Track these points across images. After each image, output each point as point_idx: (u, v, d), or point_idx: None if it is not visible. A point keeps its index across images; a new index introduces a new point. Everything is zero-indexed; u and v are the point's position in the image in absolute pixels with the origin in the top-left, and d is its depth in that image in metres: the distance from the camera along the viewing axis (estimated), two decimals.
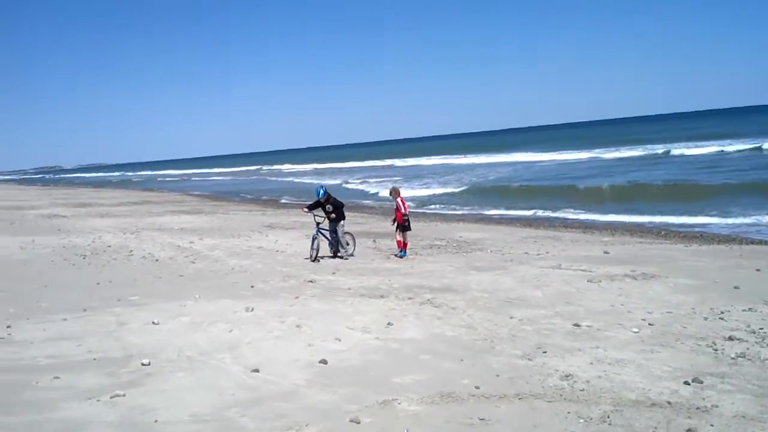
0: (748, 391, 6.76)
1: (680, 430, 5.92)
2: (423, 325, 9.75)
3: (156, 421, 6.48)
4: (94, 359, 8.50)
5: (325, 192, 16.69)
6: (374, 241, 19.48)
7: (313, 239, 16.23)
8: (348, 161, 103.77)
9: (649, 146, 61.56)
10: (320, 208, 16.72)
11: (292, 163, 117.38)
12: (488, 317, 10.07)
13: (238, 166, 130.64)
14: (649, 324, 9.32)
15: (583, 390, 6.91)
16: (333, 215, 16.54)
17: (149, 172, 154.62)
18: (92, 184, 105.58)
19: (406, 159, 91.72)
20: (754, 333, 8.71)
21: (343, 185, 53.34)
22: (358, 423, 6.31)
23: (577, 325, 9.41)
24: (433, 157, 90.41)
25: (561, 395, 6.80)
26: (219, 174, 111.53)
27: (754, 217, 21.67)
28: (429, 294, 11.86)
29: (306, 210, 17.19)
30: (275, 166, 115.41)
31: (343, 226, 16.69)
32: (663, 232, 20.32)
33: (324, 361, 8.11)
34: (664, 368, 7.49)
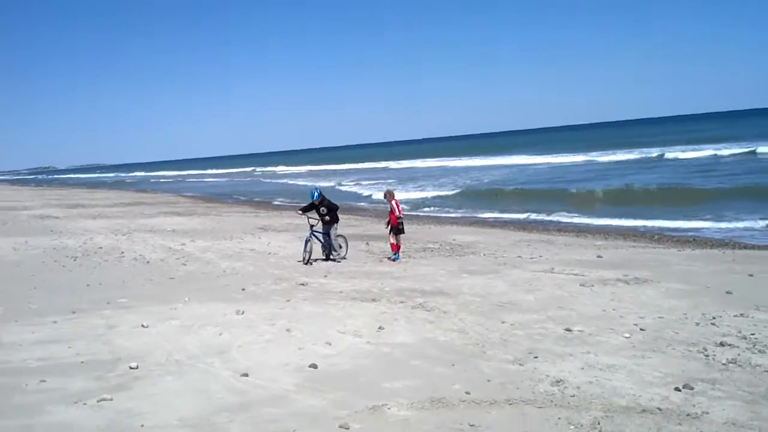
0: (738, 397, 6.73)
1: None
2: (414, 329, 9.71)
3: (142, 425, 6.42)
4: (82, 362, 8.44)
5: (320, 194, 16.63)
6: (367, 243, 19.43)
7: (306, 241, 16.17)
8: (342, 163, 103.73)
9: (644, 149, 61.71)
10: (314, 211, 16.66)
11: (287, 165, 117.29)
12: (480, 321, 10.04)
13: (232, 168, 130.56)
14: (641, 329, 9.30)
15: (573, 396, 6.87)
16: (327, 218, 16.47)
17: (143, 173, 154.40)
18: (86, 184, 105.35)
19: (401, 161, 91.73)
20: (746, 339, 8.69)
21: (337, 187, 53.28)
22: (347, 429, 6.26)
23: (568, 329, 9.38)
24: (428, 159, 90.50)
25: (552, 401, 6.76)
26: (213, 175, 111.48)
27: (747, 221, 21.68)
28: (421, 298, 11.81)
29: (300, 212, 17.13)
30: (269, 168, 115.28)
31: (336, 228, 16.64)
32: (656, 237, 20.32)
33: (314, 366, 8.06)
34: (655, 374, 7.46)
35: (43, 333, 9.90)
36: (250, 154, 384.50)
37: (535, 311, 10.55)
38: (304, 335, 9.49)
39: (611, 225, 23.60)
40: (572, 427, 6.15)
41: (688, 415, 6.33)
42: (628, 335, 9.00)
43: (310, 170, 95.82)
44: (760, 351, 8.17)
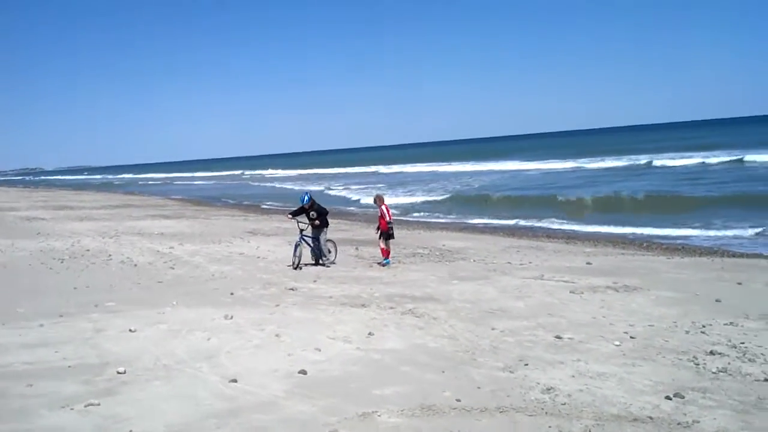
0: (729, 406, 6.73)
1: None
2: (404, 336, 9.67)
3: (130, 431, 6.35)
4: (69, 366, 8.35)
5: (310, 198, 16.58)
6: (357, 248, 19.39)
7: (296, 246, 16.10)
8: (331, 167, 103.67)
9: (632, 156, 61.90)
10: (304, 215, 16.60)
11: (275, 168, 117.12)
12: (470, 328, 10.01)
13: (221, 171, 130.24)
14: (631, 337, 9.30)
15: (564, 404, 6.85)
16: (317, 222, 16.42)
17: (131, 176, 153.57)
18: (73, 186, 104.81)
19: (390, 166, 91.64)
20: (735, 348, 8.70)
21: (326, 191, 53.21)
22: None
23: (559, 337, 9.37)
24: (417, 164, 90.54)
25: (542, 409, 6.74)
26: (201, 178, 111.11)
27: (735, 229, 21.82)
28: (411, 303, 11.78)
29: (290, 216, 17.05)
30: (258, 171, 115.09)
31: (326, 233, 16.59)
32: (645, 244, 20.39)
33: (303, 372, 8.01)
34: (645, 382, 7.45)
35: (30, 336, 9.79)
36: (239, 157, 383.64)
37: (525, 318, 10.54)
38: (294, 341, 9.43)
39: (600, 232, 23.69)
40: None
41: (679, 424, 6.32)
42: (618, 343, 9.00)
43: (299, 174, 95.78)
44: (750, 360, 8.18)
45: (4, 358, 8.75)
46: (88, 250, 19.53)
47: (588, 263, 15.99)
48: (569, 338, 9.30)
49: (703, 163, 51.17)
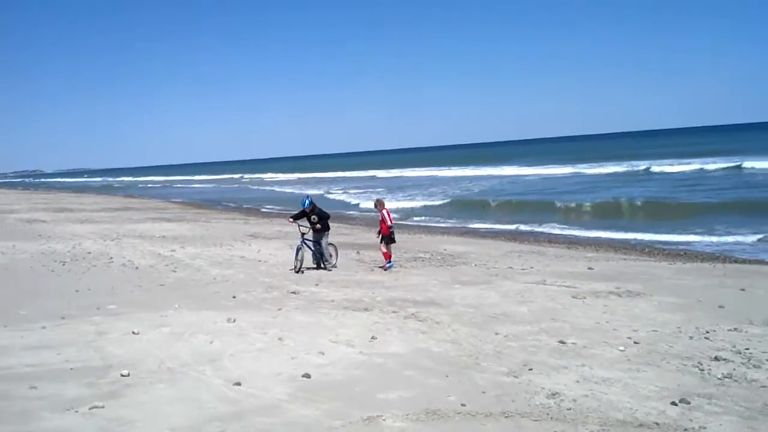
0: (735, 412, 6.72)
1: None
2: (407, 340, 9.65)
3: None
4: (72, 369, 8.32)
5: (311, 202, 16.57)
6: (358, 252, 19.37)
7: (298, 250, 16.09)
8: (330, 171, 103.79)
9: (632, 162, 62.03)
10: (305, 219, 16.59)
11: (274, 172, 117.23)
12: (473, 333, 9.99)
13: (220, 174, 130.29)
14: (635, 342, 9.28)
15: (570, 409, 6.83)
16: (318, 226, 16.41)
17: (131, 178, 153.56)
18: (73, 189, 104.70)
19: (390, 170, 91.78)
20: (740, 353, 8.69)
21: (325, 195, 53.20)
22: None
23: (562, 342, 9.35)
24: (417, 168, 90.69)
25: (548, 414, 6.72)
26: (201, 181, 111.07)
27: (737, 236, 21.80)
28: (413, 308, 11.76)
29: (291, 220, 17.05)
30: (257, 175, 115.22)
31: (327, 237, 16.58)
32: (647, 249, 20.38)
33: (307, 375, 7.99)
34: (650, 388, 7.44)
35: (32, 339, 9.77)
36: (238, 161, 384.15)
37: (529, 323, 10.52)
38: (297, 344, 9.41)
39: (602, 237, 23.67)
40: None
41: (685, 430, 6.31)
42: (622, 348, 8.99)
43: (299, 177, 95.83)
44: (755, 366, 8.17)
45: (7, 360, 8.73)
46: (89, 253, 19.51)
47: (590, 268, 15.97)
48: (573, 343, 9.28)
49: (702, 169, 51.23)
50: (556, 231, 26.02)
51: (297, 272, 15.75)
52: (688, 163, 55.40)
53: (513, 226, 27.78)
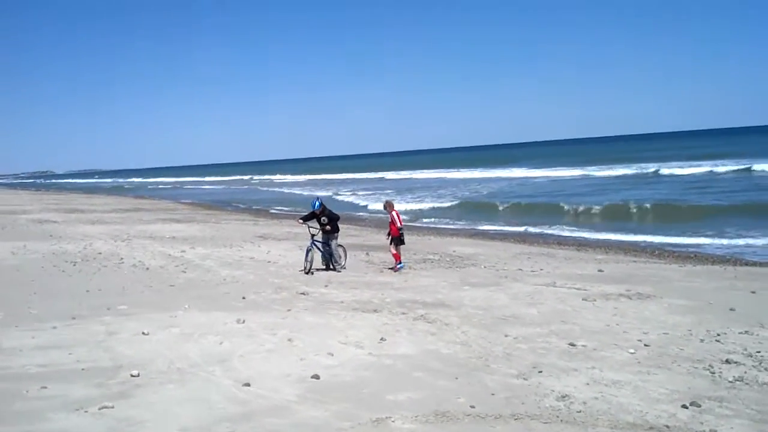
0: (746, 416, 6.67)
1: None
2: (416, 341, 9.64)
3: None
4: (83, 369, 8.35)
5: (321, 204, 16.60)
6: (367, 253, 19.38)
7: (308, 251, 16.11)
8: (339, 173, 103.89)
9: (641, 165, 61.86)
10: (315, 220, 16.62)
11: (283, 174, 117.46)
12: (482, 334, 9.97)
13: (230, 175, 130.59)
14: (645, 345, 9.24)
15: (580, 411, 6.81)
16: (328, 227, 16.44)
17: (141, 179, 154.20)
18: (84, 189, 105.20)
19: (399, 172, 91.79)
20: (751, 356, 8.64)
21: (334, 197, 53.25)
22: None
23: (572, 344, 9.32)
24: (425, 170, 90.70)
25: (558, 416, 6.70)
26: (211, 183, 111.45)
27: (747, 238, 21.68)
28: (422, 309, 11.75)
29: (301, 221, 17.08)
30: (266, 176, 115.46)
31: (336, 238, 16.59)
32: (657, 252, 20.31)
33: (316, 376, 7.99)
34: (661, 391, 7.40)
35: (43, 339, 9.81)
36: (247, 162, 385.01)
37: (538, 325, 10.49)
38: (306, 345, 9.42)
39: (611, 239, 23.59)
40: None
41: None
42: (632, 351, 8.95)
43: (308, 179, 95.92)
44: (766, 369, 8.10)
45: (18, 359, 8.77)
46: (100, 253, 19.59)
47: (600, 270, 15.93)
48: (583, 345, 9.25)
49: (712, 171, 51.06)
50: (566, 233, 25.97)
51: (307, 273, 15.76)
52: (698, 166, 55.27)
53: (522, 228, 27.73)
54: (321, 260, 16.61)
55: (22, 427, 6.54)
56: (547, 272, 15.74)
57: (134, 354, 9.01)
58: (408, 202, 42.39)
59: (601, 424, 6.49)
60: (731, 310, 11.30)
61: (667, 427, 6.40)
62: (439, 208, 39.53)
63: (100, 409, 6.94)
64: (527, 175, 66.59)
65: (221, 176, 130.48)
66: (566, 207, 33.77)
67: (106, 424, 6.59)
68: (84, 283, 14.54)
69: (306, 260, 16.00)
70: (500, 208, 36.59)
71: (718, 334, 9.72)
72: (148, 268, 16.75)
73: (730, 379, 7.76)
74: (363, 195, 53.31)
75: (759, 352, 8.81)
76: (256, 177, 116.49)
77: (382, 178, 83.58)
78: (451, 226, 30.46)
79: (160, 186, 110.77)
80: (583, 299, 12.37)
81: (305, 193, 61.79)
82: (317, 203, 16.57)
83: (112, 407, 6.99)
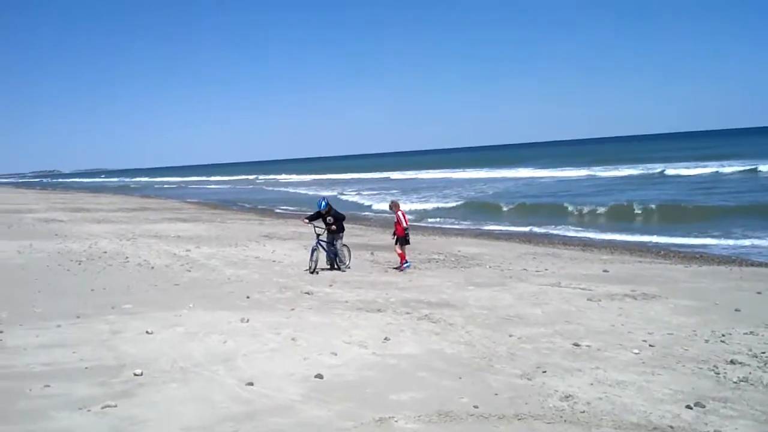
0: (751, 417, 6.64)
1: None
2: (421, 341, 9.62)
3: None
4: (87, 368, 8.35)
5: (327, 204, 16.60)
6: (372, 253, 19.37)
7: (313, 251, 16.11)
8: (344, 173, 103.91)
9: (647, 165, 61.78)
10: (321, 220, 16.62)
11: (288, 173, 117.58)
12: (487, 334, 9.95)
13: (235, 175, 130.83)
14: (650, 345, 9.21)
15: (583, 412, 6.78)
16: (333, 227, 16.44)
17: (147, 179, 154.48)
18: (90, 189, 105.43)
19: (404, 172, 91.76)
20: (756, 357, 8.60)
21: (339, 196, 53.26)
22: None
23: (576, 344, 9.29)
24: (431, 170, 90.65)
25: (561, 417, 6.67)
26: (216, 182, 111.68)
27: (753, 239, 21.62)
28: (427, 309, 11.73)
29: (306, 221, 17.08)
30: (271, 176, 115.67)
31: (341, 238, 16.59)
32: (662, 252, 20.26)
33: (320, 376, 7.98)
34: (665, 391, 7.37)
35: (47, 337, 9.83)
36: (252, 162, 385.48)
37: (543, 325, 10.47)
38: (310, 345, 9.41)
39: (617, 240, 23.55)
40: None
41: None
42: (637, 351, 8.92)
43: (312, 179, 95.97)
44: None
45: (22, 358, 8.78)
46: (105, 252, 19.62)
47: (605, 271, 15.89)
48: (587, 346, 9.22)
49: (717, 172, 50.98)
50: (571, 233, 25.96)
51: (312, 273, 15.76)
52: (704, 166, 55.16)
53: (527, 228, 27.71)
54: (326, 260, 16.61)
55: (24, 425, 6.54)
56: (552, 272, 15.71)
57: (138, 353, 9.01)
58: (413, 202, 42.38)
59: (605, 424, 6.46)
60: (737, 310, 11.25)
61: (671, 427, 6.37)
62: (444, 208, 39.53)
63: (103, 408, 6.94)
64: (533, 176, 66.54)
65: (227, 176, 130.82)
66: (572, 207, 33.72)
67: (109, 423, 6.58)
68: (89, 282, 14.57)
69: (311, 260, 16.00)
70: (505, 208, 36.55)
71: (723, 335, 9.69)
72: (153, 267, 16.77)
73: (735, 379, 7.72)
74: (368, 195, 53.34)
75: (764, 352, 8.77)
76: (261, 177, 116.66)
77: (387, 178, 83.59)
78: (456, 226, 30.45)
79: (166, 185, 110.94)
80: (588, 299, 12.34)
81: (310, 192, 61.87)
82: (323, 203, 16.58)
83: (115, 406, 6.99)
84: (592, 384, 7.64)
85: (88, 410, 6.91)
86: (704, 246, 21.26)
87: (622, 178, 54.97)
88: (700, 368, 8.17)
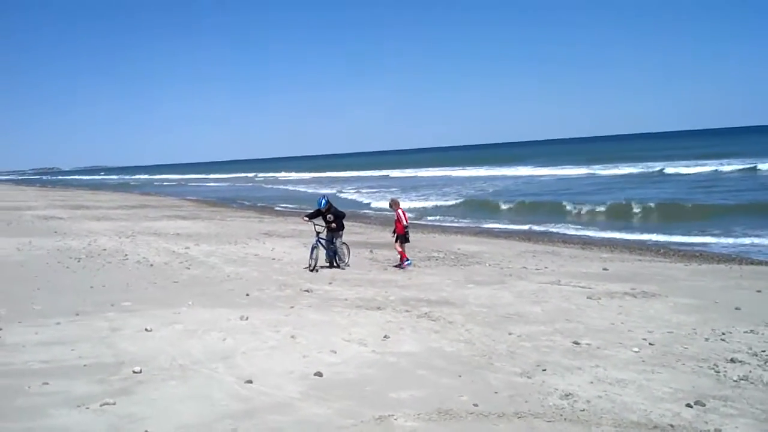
0: (751, 415, 6.63)
1: None
2: (420, 339, 9.61)
3: (145, 431, 6.33)
4: (85, 365, 8.34)
5: (327, 201, 16.58)
6: (371, 251, 19.35)
7: (312, 248, 16.09)
8: (343, 171, 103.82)
9: (646, 164, 61.77)
10: (320, 217, 16.60)
11: (288, 171, 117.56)
12: (486, 332, 9.94)
13: (235, 173, 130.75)
14: (650, 343, 9.20)
15: (583, 410, 6.77)
16: (333, 225, 16.42)
17: (147, 176, 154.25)
18: (89, 186, 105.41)
19: (403, 170, 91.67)
20: (756, 356, 8.59)
21: (338, 194, 53.21)
22: None
23: (576, 342, 9.28)
24: (430, 168, 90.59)
25: (561, 415, 6.66)
26: (216, 180, 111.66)
27: (753, 237, 21.60)
28: (426, 307, 11.72)
29: (306, 218, 17.04)
30: (271, 174, 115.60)
31: (341, 236, 16.57)
32: (662, 250, 20.24)
33: (319, 374, 7.97)
34: (665, 389, 7.36)
35: (46, 335, 9.81)
36: (252, 160, 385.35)
37: (543, 323, 10.46)
38: (309, 342, 9.40)
39: (616, 238, 23.54)
40: None
41: None
42: (637, 349, 8.90)
43: (312, 177, 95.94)
44: None
45: (21, 355, 8.76)
46: (104, 250, 19.59)
47: (605, 269, 15.88)
48: (587, 344, 9.21)
49: (717, 171, 50.95)
50: (571, 231, 25.93)
51: (311, 271, 15.74)
52: (704, 165, 55.12)
53: (527, 226, 27.69)
54: (325, 258, 16.59)
55: (23, 423, 6.53)
56: (552, 270, 15.69)
57: (137, 350, 8.99)
58: (413, 200, 42.32)
59: (605, 422, 6.45)
60: (737, 309, 11.25)
61: (672, 426, 6.36)
62: (443, 206, 39.52)
63: (101, 405, 6.93)
64: (533, 174, 66.52)
65: (226, 173, 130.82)
66: (571, 206, 33.67)
67: (108, 421, 6.57)
68: (88, 280, 14.54)
69: (311, 257, 15.98)
70: (505, 206, 36.52)
71: (723, 333, 9.68)
72: (152, 265, 16.75)
73: (735, 378, 7.71)
74: (367, 193, 53.28)
75: (764, 351, 8.77)
76: (261, 174, 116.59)
77: (386, 176, 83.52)
78: (456, 224, 30.43)
79: (166, 183, 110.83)
80: (587, 298, 12.33)
81: (310, 190, 61.82)
82: (323, 201, 16.55)
83: (114, 404, 6.97)
84: (592, 382, 7.63)
85: (87, 408, 6.89)
86: (704, 244, 21.25)
87: (621, 176, 54.96)
88: (700, 367, 8.16)
